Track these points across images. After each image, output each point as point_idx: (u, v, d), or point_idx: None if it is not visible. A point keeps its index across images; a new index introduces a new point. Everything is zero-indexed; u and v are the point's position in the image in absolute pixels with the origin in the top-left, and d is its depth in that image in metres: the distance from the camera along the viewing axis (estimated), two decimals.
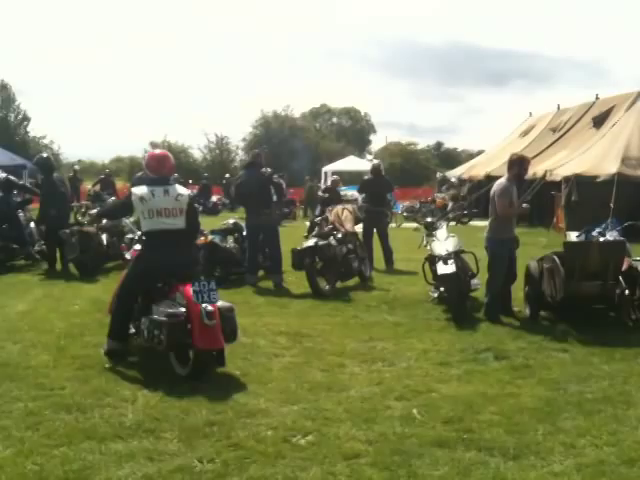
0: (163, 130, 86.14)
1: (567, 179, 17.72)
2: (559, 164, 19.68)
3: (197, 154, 52.56)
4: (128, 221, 11.86)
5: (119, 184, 28.79)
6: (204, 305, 5.21)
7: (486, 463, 3.80)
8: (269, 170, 9.93)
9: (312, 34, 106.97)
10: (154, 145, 48.85)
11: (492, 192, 7.42)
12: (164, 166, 5.93)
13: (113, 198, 13.85)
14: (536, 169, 20.82)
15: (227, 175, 31.09)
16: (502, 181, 7.43)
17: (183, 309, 5.34)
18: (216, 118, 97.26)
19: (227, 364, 5.66)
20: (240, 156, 48.52)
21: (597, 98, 23.45)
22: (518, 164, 7.46)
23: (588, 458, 3.89)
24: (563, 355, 6.07)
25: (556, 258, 7.19)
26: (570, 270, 6.94)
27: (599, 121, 21.50)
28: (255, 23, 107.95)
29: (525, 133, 26.88)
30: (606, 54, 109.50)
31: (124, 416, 4.51)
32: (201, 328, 5.20)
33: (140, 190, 5.79)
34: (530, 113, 29.42)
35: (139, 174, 11.56)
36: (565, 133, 23.19)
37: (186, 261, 5.88)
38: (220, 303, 5.44)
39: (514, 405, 4.75)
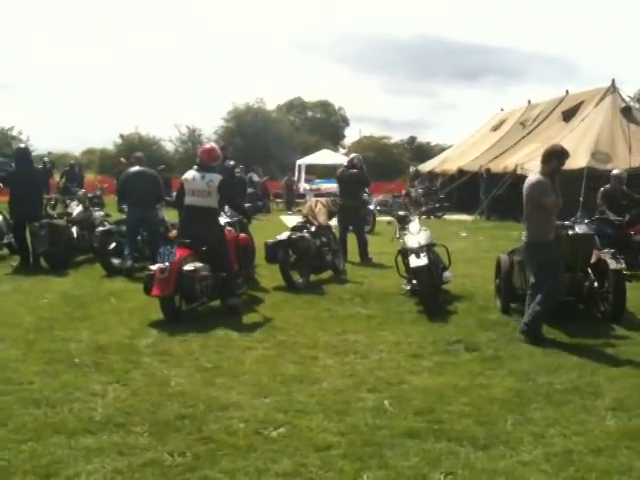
0: (134, 122, 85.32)
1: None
2: (529, 158, 19.88)
3: (169, 146, 52.11)
4: (99, 214, 11.75)
5: (89, 176, 28.39)
6: (165, 263, 6.87)
7: (456, 453, 3.84)
8: (232, 163, 9.90)
9: (286, 28, 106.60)
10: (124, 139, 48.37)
11: (527, 191, 6.47)
12: (211, 157, 7.66)
13: (83, 190, 13.62)
14: (507, 163, 21.10)
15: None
16: (537, 178, 6.47)
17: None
18: (188, 110, 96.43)
19: (200, 358, 5.68)
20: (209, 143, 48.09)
21: (567, 93, 23.76)
22: (557, 157, 6.51)
23: (556, 448, 3.95)
24: (533, 346, 6.13)
25: None
26: None
27: (568, 115, 21.79)
28: (228, 16, 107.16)
29: (496, 128, 27.14)
30: (577, 50, 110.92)
31: (94, 410, 4.46)
32: (156, 280, 6.81)
33: (188, 174, 7.64)
34: (501, 108, 29.72)
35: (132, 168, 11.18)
36: (535, 127, 23.45)
37: (209, 231, 7.43)
38: (187, 265, 7.03)
39: (484, 396, 4.80)
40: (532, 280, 6.55)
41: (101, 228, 10.45)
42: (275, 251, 9.04)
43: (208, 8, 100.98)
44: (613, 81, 21.13)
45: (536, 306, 6.33)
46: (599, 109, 20.47)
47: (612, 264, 6.95)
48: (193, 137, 51.32)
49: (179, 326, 6.68)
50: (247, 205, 10.52)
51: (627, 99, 22.49)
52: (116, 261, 10.17)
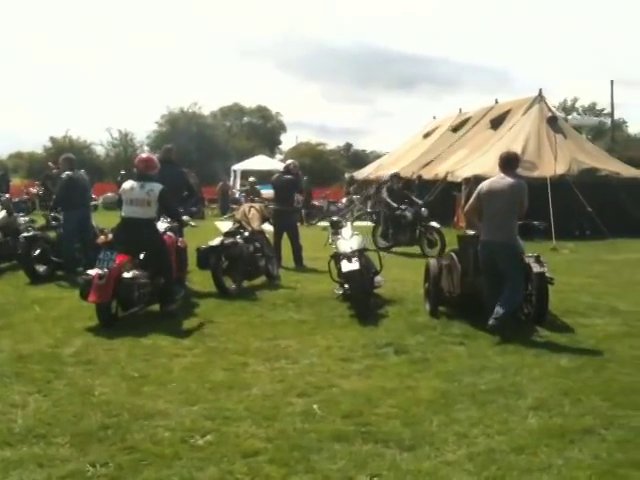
0: (65, 125, 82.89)
1: (467, 180, 18.37)
2: (460, 165, 20.38)
3: (100, 150, 50.90)
4: (23, 220, 11.37)
5: (17, 181, 27.40)
6: (104, 269, 6.85)
7: (382, 455, 3.88)
8: (185, 169, 9.91)
9: (225, 32, 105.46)
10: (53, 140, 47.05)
11: (516, 192, 6.74)
12: (148, 166, 7.66)
13: (7, 196, 13.15)
14: (437, 170, 21.55)
15: (122, 172, 30.55)
16: (518, 181, 6.89)
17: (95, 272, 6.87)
18: (121, 113, 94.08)
19: (126, 366, 5.56)
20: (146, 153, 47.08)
21: (496, 102, 24.48)
22: (518, 162, 7.24)
23: (480, 447, 4.04)
24: (459, 348, 6.29)
25: (454, 255, 7.45)
26: (466, 267, 7.20)
27: (497, 123, 22.44)
28: (165, 19, 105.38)
29: (428, 135, 27.71)
30: (508, 61, 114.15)
31: (13, 422, 4.31)
32: (94, 286, 6.75)
33: (126, 184, 7.64)
34: (434, 116, 30.35)
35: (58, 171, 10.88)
36: (465, 134, 24.05)
37: (147, 242, 7.48)
38: (126, 272, 7.03)
39: (411, 398, 4.88)
40: (490, 282, 6.90)
41: (25, 234, 10.11)
42: (207, 257, 8.94)
43: (145, 10, 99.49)
44: (540, 91, 21.85)
45: (508, 305, 6.64)
46: (526, 118, 21.14)
47: (535, 267, 7.15)
48: (125, 141, 50.31)
49: (105, 334, 6.54)
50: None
51: (554, 109, 23.35)
52: (41, 268, 9.87)
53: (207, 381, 5.21)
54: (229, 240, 9.20)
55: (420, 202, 14.54)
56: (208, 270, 8.96)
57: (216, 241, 9.11)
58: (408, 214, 13.72)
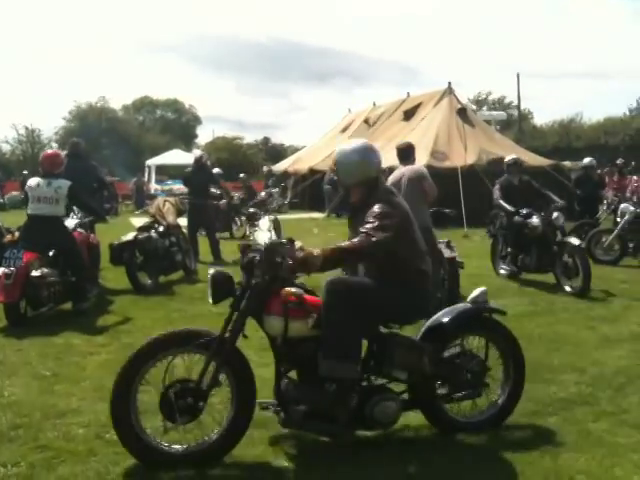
0: None
1: (382, 171, 18.71)
2: None
3: (6, 148, 48.77)
4: None
5: None
6: (10, 268, 6.59)
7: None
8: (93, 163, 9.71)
9: (128, 26, 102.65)
10: None
11: (415, 178, 7.23)
12: (54, 164, 7.46)
13: None
14: None
15: (25, 172, 29.73)
16: (420, 167, 7.73)
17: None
18: (26, 109, 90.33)
19: (37, 366, 5.39)
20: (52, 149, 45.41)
21: (408, 95, 25.04)
22: (412, 149, 7.76)
23: None
24: None
25: None
26: None
27: (409, 115, 22.96)
28: (69, 13, 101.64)
29: (344, 129, 28.05)
30: (417, 56, 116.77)
31: None
32: (1, 286, 6.53)
33: (32, 181, 7.43)
34: (349, 109, 30.74)
35: None
36: (379, 126, 24.49)
37: (56, 240, 7.22)
38: (34, 271, 6.75)
39: None
40: None
41: None
42: (121, 253, 8.75)
43: (49, 3, 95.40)
44: (449, 84, 22.50)
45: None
46: (437, 110, 21.73)
47: (447, 252, 7.42)
48: (32, 138, 48.40)
49: (14, 334, 6.33)
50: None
51: (463, 101, 24.10)
52: None
53: None
54: (143, 235, 9.04)
55: (560, 202, 9.00)
56: (122, 266, 8.77)
57: (129, 236, 8.93)
58: (535, 222, 8.68)
